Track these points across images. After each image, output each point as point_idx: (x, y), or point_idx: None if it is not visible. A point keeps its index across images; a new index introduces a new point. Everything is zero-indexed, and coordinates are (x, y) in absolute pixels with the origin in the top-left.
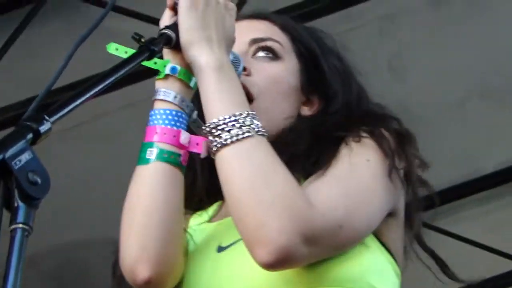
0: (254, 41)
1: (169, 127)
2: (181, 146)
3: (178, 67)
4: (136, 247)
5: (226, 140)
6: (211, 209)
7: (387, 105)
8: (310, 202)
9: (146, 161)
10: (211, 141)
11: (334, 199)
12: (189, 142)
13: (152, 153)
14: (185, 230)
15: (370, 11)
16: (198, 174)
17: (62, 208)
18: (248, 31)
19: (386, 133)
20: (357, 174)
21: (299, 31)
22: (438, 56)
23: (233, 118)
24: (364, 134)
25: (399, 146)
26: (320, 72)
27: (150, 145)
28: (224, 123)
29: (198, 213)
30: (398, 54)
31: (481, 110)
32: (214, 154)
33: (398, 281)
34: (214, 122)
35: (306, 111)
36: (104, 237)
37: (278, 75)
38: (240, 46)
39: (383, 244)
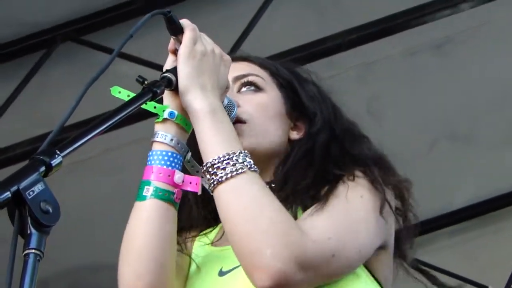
0: (237, 78)
1: (164, 167)
2: (175, 185)
3: (176, 113)
4: (131, 275)
5: (221, 177)
6: (215, 231)
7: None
8: (302, 230)
9: (143, 198)
10: (209, 179)
11: (326, 229)
12: (183, 181)
13: (148, 191)
14: (189, 256)
15: (349, 59)
16: (193, 206)
17: (72, 234)
18: (231, 71)
19: (376, 171)
20: (351, 209)
21: (276, 66)
22: (411, 101)
23: (227, 157)
24: (358, 174)
25: (386, 180)
26: (299, 98)
27: (147, 183)
28: (219, 162)
29: (203, 233)
30: (375, 98)
31: (450, 151)
32: (212, 191)
33: None
34: (210, 162)
35: (294, 135)
36: (111, 262)
37: (265, 102)
38: None
39: (372, 274)
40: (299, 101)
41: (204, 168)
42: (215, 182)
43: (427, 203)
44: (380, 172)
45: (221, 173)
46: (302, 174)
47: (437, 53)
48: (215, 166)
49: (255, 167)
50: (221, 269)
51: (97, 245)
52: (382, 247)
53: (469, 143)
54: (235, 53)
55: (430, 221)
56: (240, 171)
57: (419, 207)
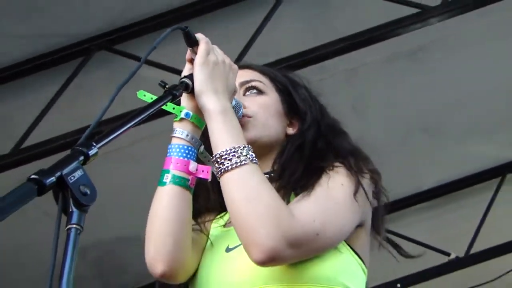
0: (242, 83)
1: (181, 158)
2: (190, 173)
3: (191, 113)
4: (153, 249)
5: (227, 167)
6: (228, 215)
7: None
8: (293, 214)
9: (163, 184)
10: (217, 167)
11: (312, 213)
12: (196, 170)
13: (167, 178)
14: (207, 235)
15: (338, 65)
16: (210, 191)
17: (106, 211)
18: (237, 77)
19: (352, 162)
20: (333, 195)
21: (274, 72)
22: (390, 100)
23: (233, 150)
24: (338, 164)
25: (361, 168)
26: (294, 100)
27: (167, 171)
28: (226, 154)
29: (219, 216)
30: (359, 98)
31: (422, 141)
32: (219, 178)
33: (365, 277)
34: (218, 153)
35: (290, 131)
36: (141, 235)
37: (266, 103)
38: None
39: (353, 249)
40: (294, 102)
41: (214, 159)
42: (222, 171)
43: (402, 184)
44: (356, 162)
45: (228, 163)
46: (295, 167)
47: (411, 59)
48: (222, 157)
49: (256, 159)
50: (228, 246)
51: (128, 220)
52: (360, 225)
53: (437, 135)
54: (241, 61)
55: (404, 200)
56: (243, 162)
57: (395, 188)
